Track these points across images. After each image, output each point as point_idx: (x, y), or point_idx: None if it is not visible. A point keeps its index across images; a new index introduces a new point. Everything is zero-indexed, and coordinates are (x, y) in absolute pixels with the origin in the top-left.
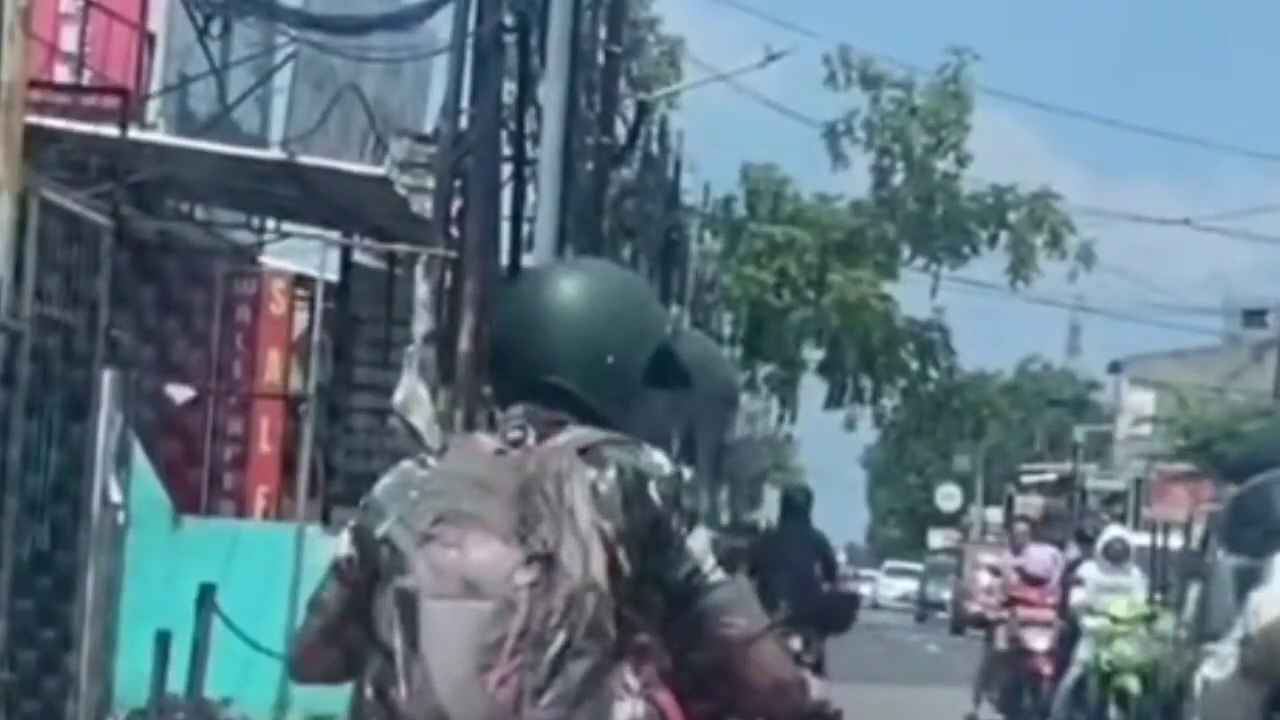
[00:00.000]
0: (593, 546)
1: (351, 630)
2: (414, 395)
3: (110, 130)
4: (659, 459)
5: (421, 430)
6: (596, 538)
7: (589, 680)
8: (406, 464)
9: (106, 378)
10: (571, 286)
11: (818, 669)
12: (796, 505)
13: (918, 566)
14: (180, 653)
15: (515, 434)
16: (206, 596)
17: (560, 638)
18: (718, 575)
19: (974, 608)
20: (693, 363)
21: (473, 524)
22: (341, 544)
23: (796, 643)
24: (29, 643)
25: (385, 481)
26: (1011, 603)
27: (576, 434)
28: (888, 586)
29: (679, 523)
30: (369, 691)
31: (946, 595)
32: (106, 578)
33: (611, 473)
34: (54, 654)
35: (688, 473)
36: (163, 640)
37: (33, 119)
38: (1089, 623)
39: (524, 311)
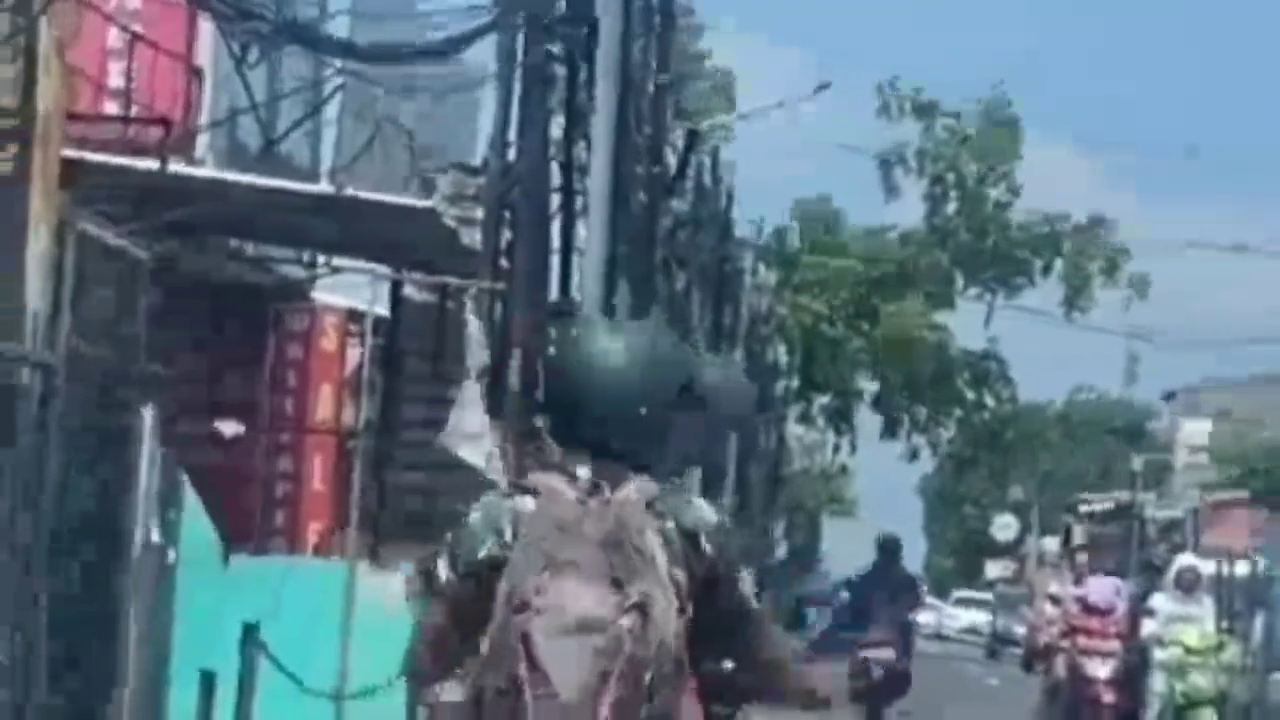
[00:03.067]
0: (670, 594)
1: (454, 639)
2: (470, 429)
3: (150, 164)
4: (706, 512)
5: (479, 464)
6: (671, 585)
7: (667, 707)
8: (490, 497)
9: (147, 415)
10: (611, 358)
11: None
12: (888, 550)
13: (987, 596)
14: (228, 692)
15: (591, 486)
16: (250, 635)
17: (650, 672)
18: (754, 606)
19: (1043, 639)
20: (709, 386)
21: (575, 570)
22: (440, 570)
23: (889, 652)
24: (71, 682)
25: (475, 514)
26: (1072, 632)
27: (640, 487)
28: (952, 617)
29: (728, 568)
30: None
31: (1020, 630)
32: (149, 616)
33: (671, 524)
34: (97, 693)
35: (725, 518)
36: (207, 680)
37: (74, 153)
38: (1160, 654)
39: (571, 386)
